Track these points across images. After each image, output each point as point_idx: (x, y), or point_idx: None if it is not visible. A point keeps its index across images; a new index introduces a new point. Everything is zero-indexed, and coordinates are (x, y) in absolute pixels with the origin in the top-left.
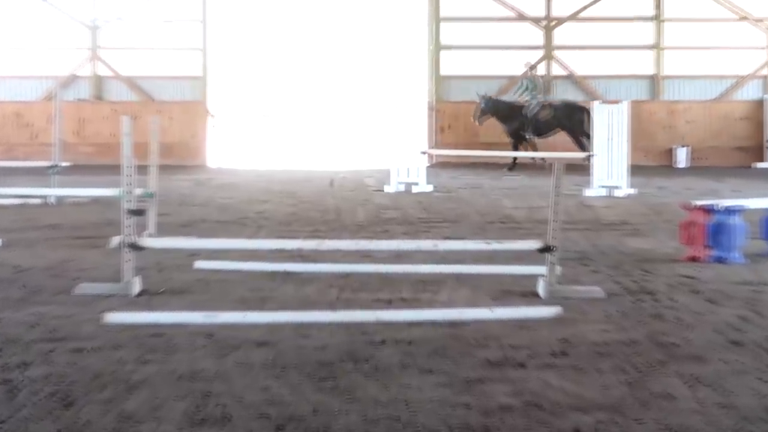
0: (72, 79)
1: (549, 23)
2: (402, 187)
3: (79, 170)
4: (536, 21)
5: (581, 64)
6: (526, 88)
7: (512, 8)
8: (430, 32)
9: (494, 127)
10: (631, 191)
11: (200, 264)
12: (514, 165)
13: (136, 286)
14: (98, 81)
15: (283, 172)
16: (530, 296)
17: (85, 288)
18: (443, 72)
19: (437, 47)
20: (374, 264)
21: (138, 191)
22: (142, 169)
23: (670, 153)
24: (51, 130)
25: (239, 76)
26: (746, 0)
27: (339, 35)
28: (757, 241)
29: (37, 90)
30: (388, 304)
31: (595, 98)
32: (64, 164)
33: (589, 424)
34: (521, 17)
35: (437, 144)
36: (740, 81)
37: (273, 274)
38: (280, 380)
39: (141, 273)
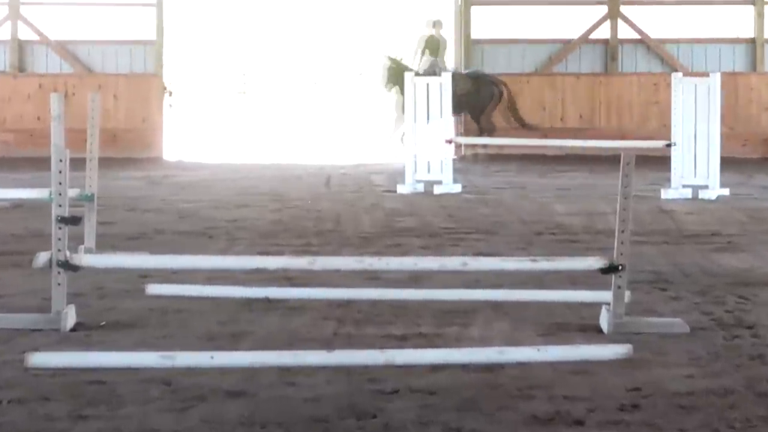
0: None
1: None
2: (420, 187)
3: None
4: None
5: (657, 25)
6: (426, 52)
7: None
8: None
9: (542, 108)
10: (724, 192)
11: (154, 288)
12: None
13: (70, 317)
14: (19, 47)
15: (265, 167)
16: (590, 331)
17: (3, 320)
18: (474, 35)
19: (467, 1)
20: (384, 288)
21: (73, 193)
22: (78, 164)
23: None
24: None
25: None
26: None
27: None
28: None
29: None
30: (402, 341)
31: (674, 69)
32: None
33: None
34: None
35: (467, 130)
36: None
37: (250, 302)
38: None
39: (76, 300)
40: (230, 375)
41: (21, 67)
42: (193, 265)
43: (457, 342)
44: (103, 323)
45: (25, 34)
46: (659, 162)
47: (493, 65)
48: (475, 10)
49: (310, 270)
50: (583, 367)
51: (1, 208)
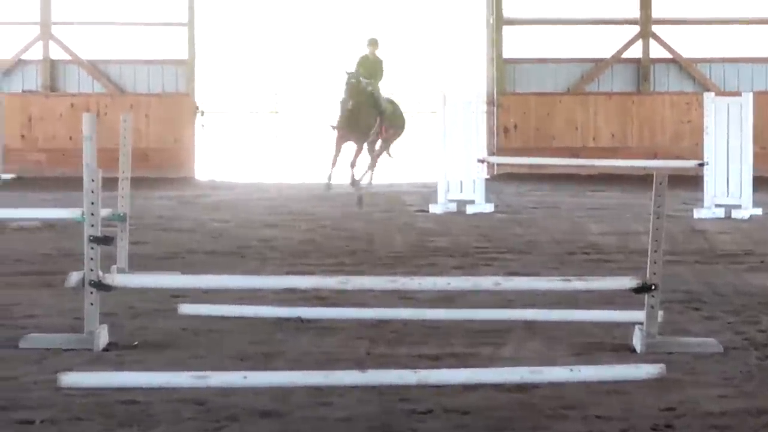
0: (16, 65)
1: None
2: (453, 207)
3: (27, 184)
4: None
5: (689, 44)
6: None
7: None
8: (489, 1)
9: (574, 128)
10: (756, 212)
11: (186, 308)
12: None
13: (103, 337)
14: (51, 67)
15: (295, 187)
16: (623, 351)
17: (36, 340)
18: (507, 54)
19: (499, 21)
20: (416, 308)
21: (105, 212)
22: (110, 183)
23: None
24: None
25: (237, 60)
26: None
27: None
28: None
29: None
30: (435, 361)
31: (706, 88)
32: (5, 177)
33: None
34: None
35: (499, 149)
36: None
37: (282, 322)
38: None
39: (109, 320)
40: (263, 395)
41: (53, 87)
42: (225, 284)
43: (490, 362)
44: (136, 343)
45: (56, 54)
46: (692, 181)
47: (525, 84)
48: (507, 30)
49: (342, 290)
50: (616, 387)
51: (33, 228)
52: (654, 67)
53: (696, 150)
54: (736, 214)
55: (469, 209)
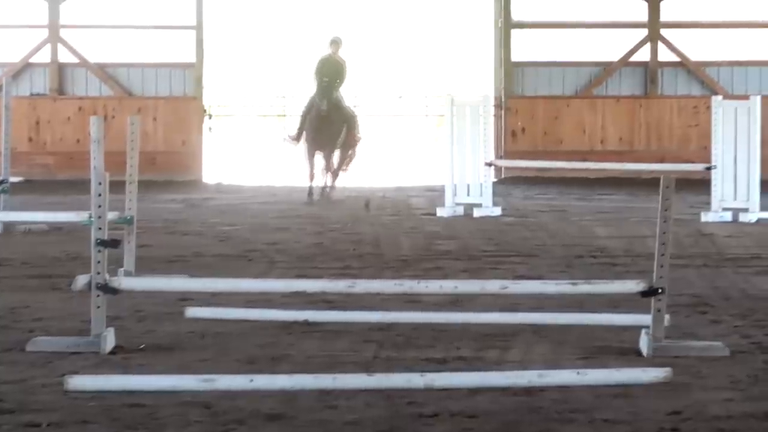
0: (24, 68)
1: None
2: (460, 210)
3: (35, 187)
4: None
5: (697, 48)
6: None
7: None
8: (498, 4)
9: (582, 131)
10: (764, 215)
11: (193, 311)
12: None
13: (109, 340)
14: (59, 70)
15: (303, 190)
16: (630, 354)
17: (43, 343)
18: (515, 57)
19: (507, 24)
20: (423, 312)
21: (112, 215)
22: (117, 187)
23: None
24: None
25: (245, 64)
26: None
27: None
28: None
29: None
30: (443, 364)
31: (714, 92)
32: (13, 180)
33: None
34: None
35: (507, 153)
36: None
37: (289, 325)
38: None
39: (115, 323)
40: (270, 398)
41: (61, 90)
42: (233, 288)
43: (498, 365)
44: (143, 346)
45: (65, 57)
46: (699, 185)
47: (533, 88)
48: (516, 33)
49: (349, 293)
50: (623, 391)
51: (41, 231)
52: (662, 70)
53: (704, 153)
54: (743, 217)
55: (477, 212)
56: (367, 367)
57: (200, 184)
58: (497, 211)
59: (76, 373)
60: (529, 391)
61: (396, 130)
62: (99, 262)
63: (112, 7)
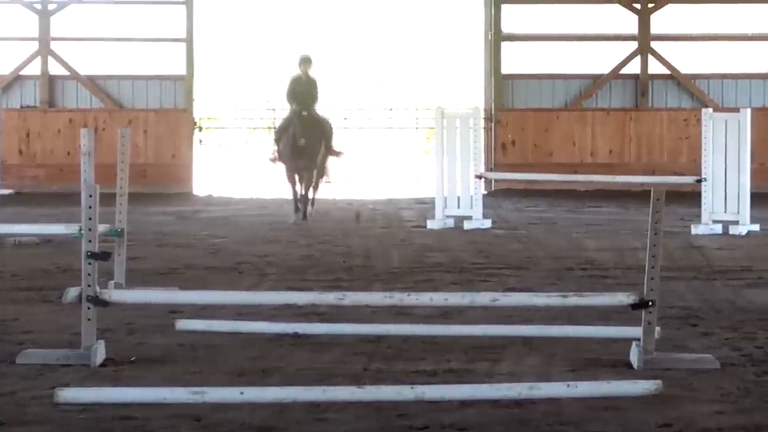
0: (15, 80)
1: (645, 5)
2: (450, 223)
3: (25, 200)
4: (628, 1)
5: (687, 61)
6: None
7: None
8: (488, 17)
9: (572, 143)
10: (754, 228)
11: (184, 324)
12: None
13: (100, 353)
14: (50, 82)
15: (293, 202)
16: (620, 367)
17: (33, 355)
18: (505, 70)
19: (497, 37)
20: (414, 324)
21: (102, 228)
22: (108, 199)
23: None
24: None
25: (235, 76)
26: None
27: (366, 21)
28: None
29: None
30: (433, 376)
31: (705, 104)
32: (3, 192)
33: None
34: None
35: (497, 165)
36: None
37: (280, 338)
38: None
39: (106, 336)
40: (260, 410)
41: (51, 103)
42: (223, 300)
43: (488, 377)
44: (133, 359)
45: (55, 69)
46: (689, 197)
47: (523, 100)
48: (506, 46)
49: (339, 305)
50: (613, 403)
51: (31, 243)
52: (652, 83)
53: (694, 166)
54: (733, 230)
55: (467, 225)
56: (358, 380)
57: (191, 196)
58: (487, 223)
59: (66, 385)
60: (519, 403)
61: (386, 142)
62: (89, 274)
63: (102, 20)
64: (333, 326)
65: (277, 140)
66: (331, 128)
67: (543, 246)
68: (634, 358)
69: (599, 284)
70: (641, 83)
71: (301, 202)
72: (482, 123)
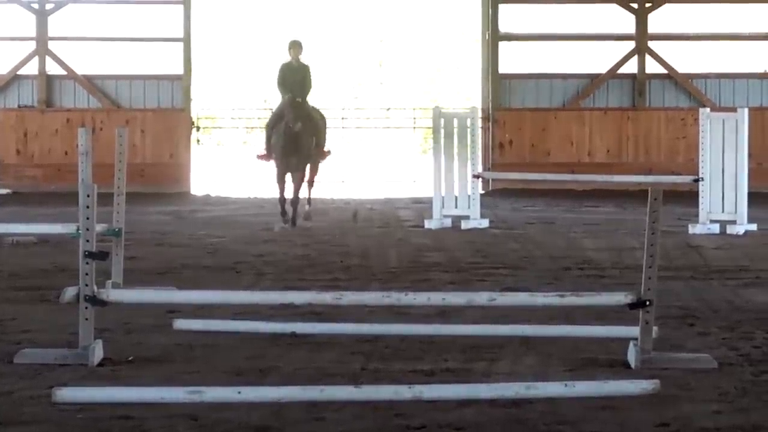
0: (12, 80)
1: (642, 5)
2: (448, 222)
3: (22, 200)
4: (625, 1)
5: (684, 60)
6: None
7: None
8: (485, 16)
9: (570, 143)
10: (751, 227)
11: (181, 323)
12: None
13: (97, 352)
14: (47, 82)
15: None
16: (618, 366)
17: (30, 355)
18: (502, 69)
19: (495, 37)
20: (411, 324)
21: (100, 228)
22: (105, 199)
23: None
24: None
25: (233, 75)
26: None
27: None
28: None
29: None
30: (430, 376)
31: (702, 104)
32: (1, 192)
33: None
34: None
35: (495, 165)
36: None
37: (277, 338)
38: None
39: (103, 335)
40: (257, 410)
41: (49, 102)
42: (221, 300)
43: (485, 377)
44: (131, 358)
45: (53, 69)
46: (687, 197)
47: (520, 100)
48: (503, 45)
49: (337, 305)
50: (610, 403)
51: (29, 243)
52: (649, 82)
53: (691, 165)
54: (731, 229)
55: (464, 225)
56: (355, 379)
57: (188, 196)
58: (485, 223)
59: (64, 385)
60: (516, 403)
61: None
62: (87, 274)
63: (100, 20)
64: (330, 326)
65: (268, 135)
66: (325, 124)
67: (540, 246)
68: (631, 357)
69: (597, 284)
70: (639, 83)
71: (289, 206)
72: (480, 123)
